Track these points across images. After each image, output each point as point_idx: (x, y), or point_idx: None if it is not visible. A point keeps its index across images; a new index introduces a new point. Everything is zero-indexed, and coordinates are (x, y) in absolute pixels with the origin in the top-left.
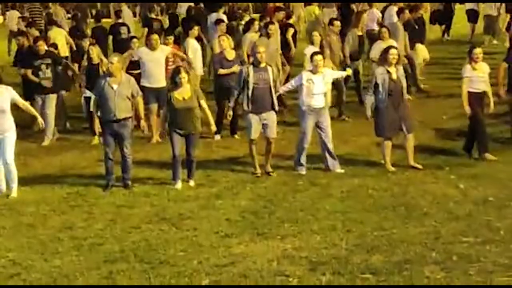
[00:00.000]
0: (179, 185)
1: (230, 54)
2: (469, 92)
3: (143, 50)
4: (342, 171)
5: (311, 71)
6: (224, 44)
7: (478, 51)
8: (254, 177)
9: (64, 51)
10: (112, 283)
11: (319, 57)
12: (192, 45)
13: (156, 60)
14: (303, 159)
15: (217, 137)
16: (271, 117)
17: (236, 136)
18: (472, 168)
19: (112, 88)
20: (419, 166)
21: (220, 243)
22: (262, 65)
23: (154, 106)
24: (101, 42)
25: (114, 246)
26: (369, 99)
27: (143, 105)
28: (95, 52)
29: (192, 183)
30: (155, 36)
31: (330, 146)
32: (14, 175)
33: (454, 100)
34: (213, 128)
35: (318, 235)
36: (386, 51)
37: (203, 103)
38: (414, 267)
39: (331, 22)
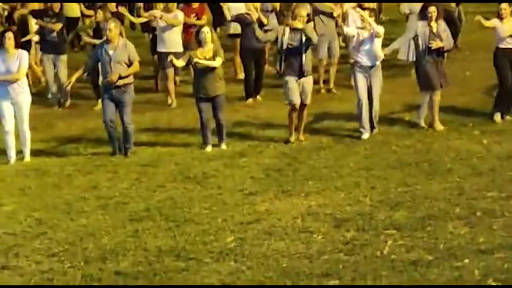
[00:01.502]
0: (209, 148)
1: (255, 15)
2: (497, 48)
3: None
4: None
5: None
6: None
7: (504, 5)
8: (278, 135)
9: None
10: (138, 241)
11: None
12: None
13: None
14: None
15: (249, 101)
16: (307, 82)
17: (258, 97)
18: (495, 124)
19: (108, 54)
20: (441, 127)
21: (244, 201)
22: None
23: (171, 71)
24: None
25: (139, 205)
26: (396, 42)
27: (162, 70)
28: (102, 16)
29: (224, 146)
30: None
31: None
32: (28, 140)
33: (478, 55)
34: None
35: (342, 192)
36: (425, 7)
37: (218, 60)
38: (438, 223)
39: None
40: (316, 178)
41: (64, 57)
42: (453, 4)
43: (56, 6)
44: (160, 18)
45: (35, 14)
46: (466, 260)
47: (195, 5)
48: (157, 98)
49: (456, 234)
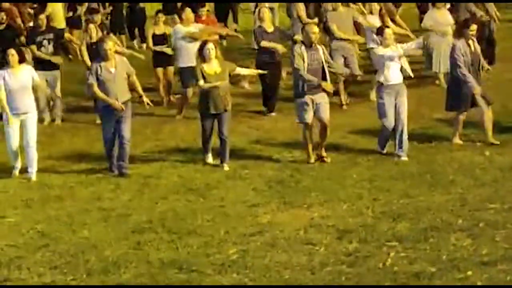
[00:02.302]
0: (210, 158)
1: (269, 26)
2: None
3: (178, 27)
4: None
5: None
6: (264, 16)
7: None
8: (280, 146)
9: (60, 22)
10: (140, 253)
11: (389, 31)
12: None
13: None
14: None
15: (272, 114)
16: (324, 99)
17: (273, 114)
18: (498, 135)
19: (110, 72)
20: (497, 142)
21: (247, 213)
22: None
23: (190, 91)
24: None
25: (141, 217)
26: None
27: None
28: (94, 32)
29: (226, 167)
30: (189, 11)
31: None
32: (35, 160)
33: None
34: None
35: (344, 204)
36: (466, 25)
37: (239, 69)
38: (441, 234)
39: None
40: (318, 190)
41: (58, 73)
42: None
43: (43, 21)
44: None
45: (29, 38)
46: (469, 272)
47: (204, 17)
48: (159, 110)
49: (459, 245)
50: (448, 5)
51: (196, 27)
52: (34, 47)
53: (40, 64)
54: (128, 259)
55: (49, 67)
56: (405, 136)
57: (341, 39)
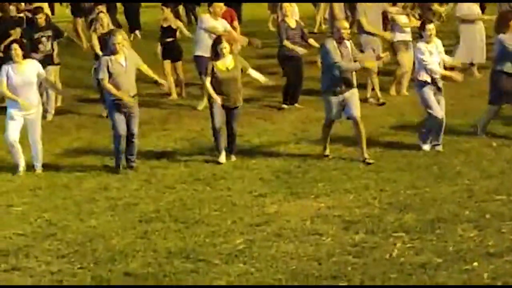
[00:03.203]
0: (222, 158)
1: (292, 22)
2: None
3: (205, 18)
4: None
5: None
6: (287, 11)
7: None
8: (288, 137)
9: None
10: (147, 243)
11: (431, 26)
12: None
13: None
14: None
15: (284, 105)
16: (353, 95)
17: (297, 105)
18: (505, 127)
19: (121, 65)
20: None
21: (254, 203)
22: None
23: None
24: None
25: (149, 206)
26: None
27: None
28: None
29: (234, 158)
30: (219, 4)
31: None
32: (40, 155)
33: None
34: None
35: (351, 194)
36: (507, 18)
37: (251, 70)
38: (447, 226)
39: None
40: (325, 180)
41: (52, 69)
42: None
43: (42, 19)
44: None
45: (26, 33)
46: (475, 263)
47: (223, 9)
48: (165, 100)
49: (465, 237)
50: None
51: (222, 24)
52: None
53: (40, 60)
54: (135, 248)
55: (45, 62)
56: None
57: (370, 33)
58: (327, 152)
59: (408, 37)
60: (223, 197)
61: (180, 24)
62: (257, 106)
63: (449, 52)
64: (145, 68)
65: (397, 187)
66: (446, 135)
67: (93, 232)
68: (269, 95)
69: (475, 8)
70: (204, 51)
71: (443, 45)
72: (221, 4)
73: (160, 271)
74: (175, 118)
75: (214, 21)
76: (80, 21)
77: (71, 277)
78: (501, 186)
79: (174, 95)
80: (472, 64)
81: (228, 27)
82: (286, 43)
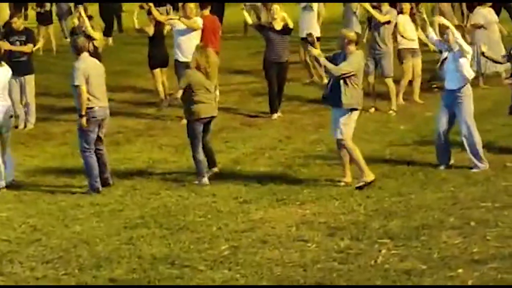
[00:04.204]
0: (206, 180)
1: (279, 25)
2: None
3: (177, 21)
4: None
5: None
6: (275, 14)
7: None
8: (273, 143)
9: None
10: (132, 249)
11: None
12: None
13: (188, 31)
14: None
15: (274, 116)
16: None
17: (276, 115)
18: (489, 134)
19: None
20: None
21: (239, 209)
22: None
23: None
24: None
25: (134, 212)
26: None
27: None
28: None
29: (216, 169)
30: (191, 5)
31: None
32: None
33: None
34: None
35: (336, 201)
36: None
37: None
38: (432, 232)
39: None
40: (310, 187)
41: (32, 77)
42: None
43: (19, 23)
44: (179, 19)
45: (3, 35)
46: (460, 270)
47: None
48: (151, 107)
49: (450, 243)
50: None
51: (196, 20)
52: (5, 43)
53: (13, 69)
54: (120, 254)
55: (22, 71)
56: None
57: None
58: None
59: (415, 44)
60: (208, 203)
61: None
62: (242, 112)
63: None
64: None
65: (382, 194)
66: (429, 140)
67: (78, 238)
68: (254, 101)
69: (492, 15)
70: (182, 55)
71: None
72: (193, 5)
73: (145, 277)
74: (161, 124)
75: (186, 21)
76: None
77: (56, 283)
78: (486, 193)
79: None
80: (482, 74)
81: (200, 25)
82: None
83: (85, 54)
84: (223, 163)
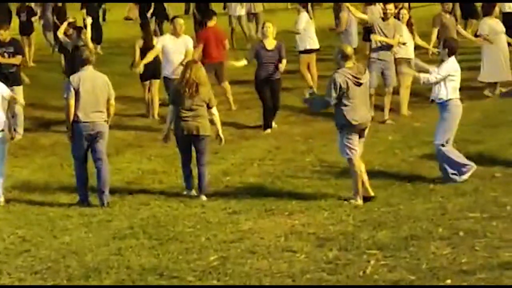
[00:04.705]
0: (193, 192)
1: (270, 44)
2: None
3: (164, 37)
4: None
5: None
6: (267, 32)
7: None
8: (262, 154)
9: None
10: (121, 259)
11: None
12: None
13: (177, 49)
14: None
15: (268, 131)
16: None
17: (269, 130)
18: (479, 144)
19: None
20: None
21: (228, 220)
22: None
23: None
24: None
25: (123, 223)
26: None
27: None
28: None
29: (204, 197)
30: (180, 21)
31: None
32: (2, 177)
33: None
34: (220, 139)
35: (325, 211)
36: None
37: (214, 110)
38: (421, 243)
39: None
40: (299, 197)
41: (20, 88)
42: None
43: (6, 35)
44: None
45: None
46: (448, 281)
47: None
48: (140, 118)
49: (438, 254)
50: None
51: (185, 43)
52: None
53: (3, 80)
54: (109, 265)
55: (11, 82)
56: None
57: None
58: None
59: (412, 54)
60: (197, 214)
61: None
62: (231, 123)
63: (473, 69)
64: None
65: (371, 204)
66: (418, 150)
67: (67, 249)
68: (243, 112)
69: (498, 25)
70: (169, 71)
71: (467, 61)
72: (181, 21)
73: None
74: (150, 135)
75: (174, 39)
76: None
77: None
78: (474, 204)
79: (151, 116)
80: (495, 83)
81: (189, 47)
82: (242, 61)
83: (87, 67)
84: (213, 174)
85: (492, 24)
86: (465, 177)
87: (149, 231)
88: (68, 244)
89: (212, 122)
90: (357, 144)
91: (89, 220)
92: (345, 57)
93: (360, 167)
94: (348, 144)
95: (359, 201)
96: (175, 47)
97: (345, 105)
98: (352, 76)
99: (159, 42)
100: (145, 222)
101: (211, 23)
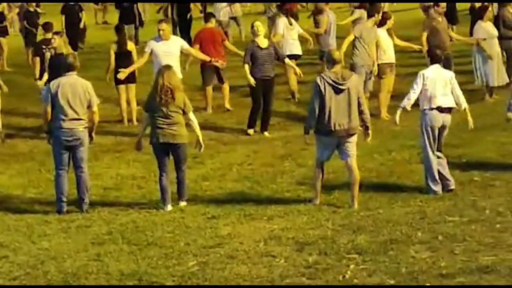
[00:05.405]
0: (169, 207)
1: (263, 42)
2: None
3: (151, 41)
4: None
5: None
6: (258, 31)
7: None
8: (241, 158)
9: None
10: (100, 265)
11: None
12: None
13: (169, 52)
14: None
15: (250, 131)
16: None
17: (266, 133)
18: (458, 149)
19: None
20: None
21: (207, 225)
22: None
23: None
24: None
25: (101, 228)
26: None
27: None
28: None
29: (182, 203)
30: (163, 26)
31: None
32: None
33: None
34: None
35: (304, 216)
36: None
37: (191, 115)
38: (400, 247)
39: (436, 4)
40: (278, 202)
41: None
42: None
43: None
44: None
45: None
46: (428, 285)
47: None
48: (118, 123)
49: (418, 258)
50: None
51: (176, 44)
52: None
53: None
54: (88, 270)
55: None
56: None
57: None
58: (317, 201)
59: (393, 59)
60: (176, 219)
61: (133, 46)
62: (210, 127)
63: (465, 73)
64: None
65: (350, 209)
66: (397, 155)
67: (45, 254)
68: (221, 116)
69: (492, 29)
70: None
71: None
72: (165, 25)
73: None
74: (128, 140)
75: (163, 42)
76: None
77: None
78: (453, 208)
79: (126, 122)
80: (487, 87)
81: (186, 46)
82: (245, 67)
83: (71, 73)
84: (192, 179)
85: (487, 28)
86: (437, 190)
87: (128, 237)
88: (46, 249)
89: (190, 127)
90: (328, 153)
91: (68, 225)
92: (332, 62)
93: (320, 173)
94: (319, 149)
95: (317, 202)
96: (165, 48)
97: (321, 111)
98: (332, 81)
99: (147, 47)
100: (124, 228)
101: (209, 24)
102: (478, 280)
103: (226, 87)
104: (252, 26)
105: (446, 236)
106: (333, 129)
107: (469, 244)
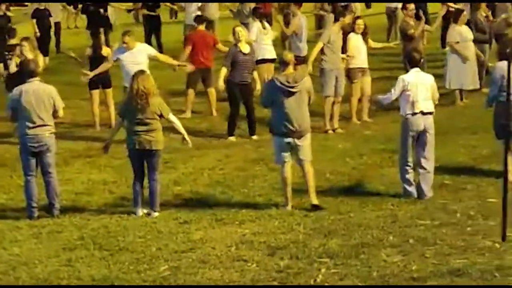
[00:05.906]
0: (140, 212)
1: (245, 47)
2: None
3: (118, 49)
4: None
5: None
6: (239, 36)
7: None
8: (213, 163)
9: None
10: (71, 270)
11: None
12: None
13: (136, 61)
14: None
15: (232, 138)
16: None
17: (254, 137)
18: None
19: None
20: None
21: (178, 229)
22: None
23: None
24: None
25: (73, 234)
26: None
27: None
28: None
29: (155, 213)
30: (126, 38)
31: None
32: None
33: None
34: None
35: (276, 220)
36: (505, 45)
37: (171, 117)
38: (371, 251)
39: (404, 6)
40: (250, 206)
41: None
42: None
43: None
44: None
45: None
46: None
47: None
48: (89, 129)
49: (389, 262)
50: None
51: (143, 51)
52: None
53: None
54: (59, 276)
55: None
56: None
57: None
58: (289, 207)
59: (365, 64)
60: (147, 224)
61: (108, 51)
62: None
63: (438, 76)
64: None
65: (322, 213)
66: (369, 158)
67: (17, 260)
68: (193, 121)
69: (467, 33)
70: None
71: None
72: (128, 37)
73: None
74: (100, 146)
75: (129, 52)
76: None
77: None
78: (425, 211)
79: (98, 127)
80: (461, 91)
81: (153, 53)
82: (223, 70)
83: (32, 79)
84: (163, 184)
85: (461, 31)
86: (411, 190)
87: (99, 242)
88: (17, 255)
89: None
90: (285, 154)
91: (39, 231)
92: (283, 63)
93: (288, 175)
94: (277, 151)
95: (288, 207)
96: (131, 58)
97: (274, 112)
98: (282, 83)
99: (113, 55)
100: (96, 233)
101: (200, 27)
102: (450, 284)
103: (212, 91)
104: (234, 32)
105: (417, 240)
106: (284, 130)
107: (440, 248)
